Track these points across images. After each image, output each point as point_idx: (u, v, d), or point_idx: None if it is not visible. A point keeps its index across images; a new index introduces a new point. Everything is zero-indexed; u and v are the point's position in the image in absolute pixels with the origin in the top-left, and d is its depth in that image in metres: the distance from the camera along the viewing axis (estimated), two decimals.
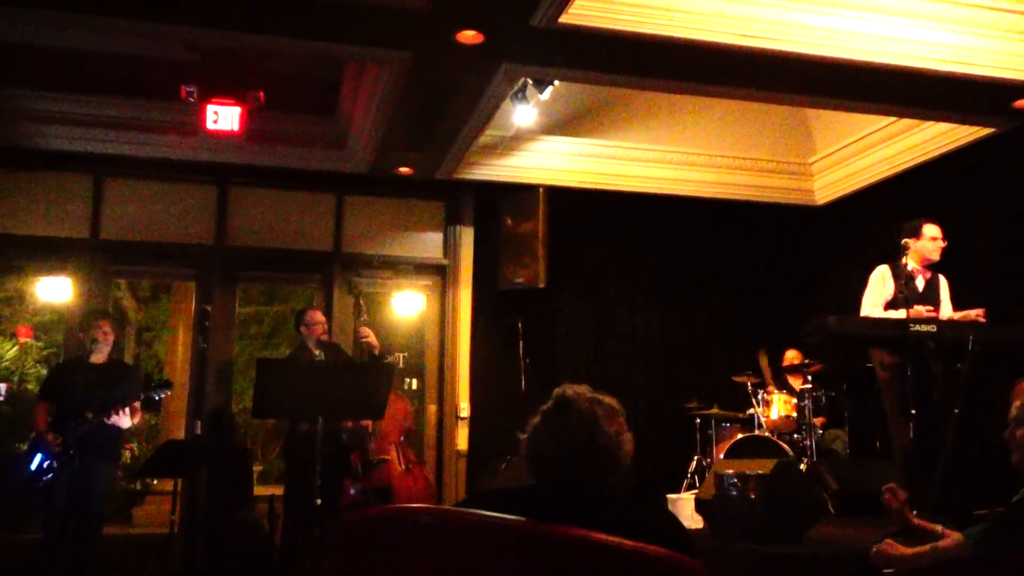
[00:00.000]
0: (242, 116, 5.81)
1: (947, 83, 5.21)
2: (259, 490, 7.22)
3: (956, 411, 4.29)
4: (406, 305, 8.23)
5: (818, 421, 6.60)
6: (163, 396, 5.43)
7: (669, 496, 5.91)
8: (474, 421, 7.15)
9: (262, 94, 5.85)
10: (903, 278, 5.13)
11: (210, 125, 5.75)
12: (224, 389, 7.04)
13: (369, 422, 5.84)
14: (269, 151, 6.83)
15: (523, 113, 6.10)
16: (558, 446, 1.99)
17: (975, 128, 6.16)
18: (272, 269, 7.52)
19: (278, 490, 6.18)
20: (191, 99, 5.73)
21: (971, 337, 4.41)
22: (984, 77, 5.16)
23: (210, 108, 5.75)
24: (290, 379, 4.69)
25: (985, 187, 6.19)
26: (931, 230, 5.29)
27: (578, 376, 2.31)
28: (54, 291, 7.62)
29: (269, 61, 6.24)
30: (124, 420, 5.25)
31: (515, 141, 7.07)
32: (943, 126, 6.40)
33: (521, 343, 6.96)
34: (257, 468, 9.88)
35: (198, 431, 5.88)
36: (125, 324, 12.41)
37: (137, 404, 5.35)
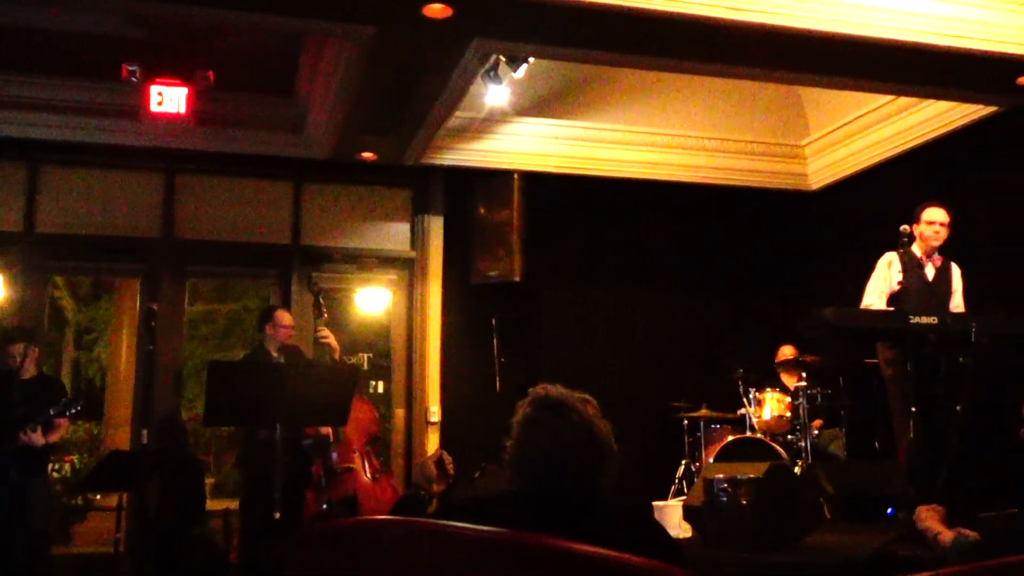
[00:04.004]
0: (189, 97, 5.78)
1: (947, 58, 5.26)
2: (213, 504, 7.18)
3: (959, 408, 4.35)
4: (371, 302, 8.21)
5: (816, 424, 6.66)
6: (74, 411, 5.43)
7: (655, 503, 5.94)
8: (445, 426, 7.13)
9: (211, 73, 5.82)
10: (911, 267, 5.18)
11: (154, 107, 5.70)
12: (173, 395, 6.98)
13: (331, 428, 5.81)
14: (220, 136, 6.76)
15: (495, 93, 6.09)
16: (558, 448, 2.00)
17: (978, 107, 6.24)
18: (224, 264, 7.48)
19: (233, 504, 6.14)
20: (133, 79, 5.68)
21: (974, 329, 4.47)
22: (987, 52, 5.21)
23: (154, 89, 5.71)
24: (245, 383, 4.64)
25: (990, 170, 6.26)
26: (930, 214, 5.33)
27: (558, 376, 2.33)
28: None
29: (219, 37, 6.19)
30: (37, 440, 5.25)
31: (487, 123, 7.05)
32: (943, 105, 6.47)
33: (496, 341, 6.96)
34: (210, 480, 9.82)
35: (145, 441, 5.83)
36: (63, 325, 12.26)
37: (63, 420, 5.41)
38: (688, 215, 7.90)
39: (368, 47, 5.17)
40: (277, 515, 4.43)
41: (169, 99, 5.62)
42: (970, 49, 5.19)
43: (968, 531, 2.87)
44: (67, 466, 9.12)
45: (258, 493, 5.27)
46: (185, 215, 7.03)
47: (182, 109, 5.70)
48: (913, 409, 4.56)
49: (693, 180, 7.71)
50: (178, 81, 5.65)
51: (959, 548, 2.72)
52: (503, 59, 5.70)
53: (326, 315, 6.18)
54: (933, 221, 5.32)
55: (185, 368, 7.95)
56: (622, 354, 7.64)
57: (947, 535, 2.82)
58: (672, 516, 5.36)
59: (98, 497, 7.96)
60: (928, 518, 2.95)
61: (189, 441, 8.39)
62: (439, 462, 2.85)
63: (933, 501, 3.44)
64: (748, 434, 6.53)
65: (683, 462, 6.83)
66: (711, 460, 6.28)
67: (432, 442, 7.12)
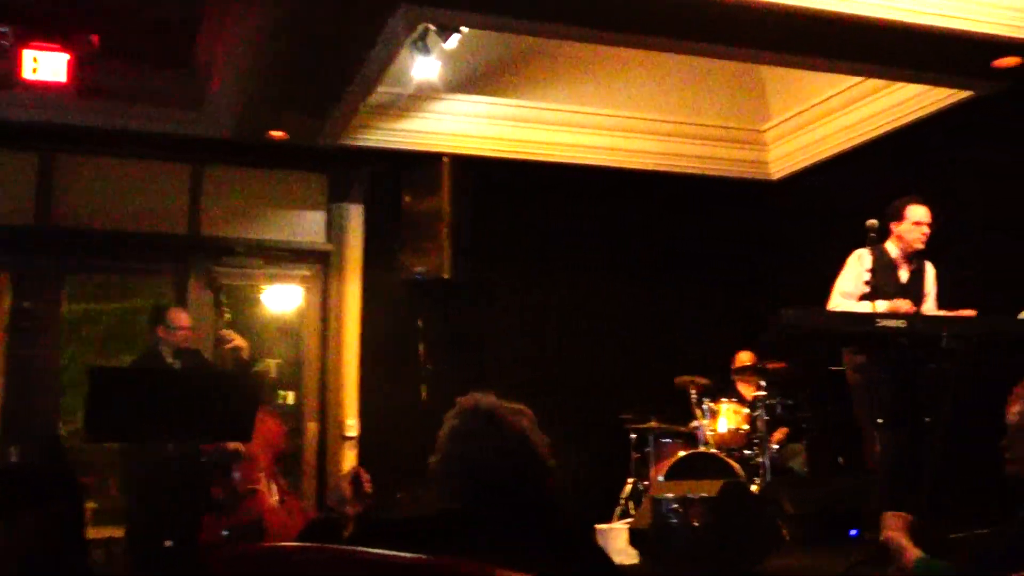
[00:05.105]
0: (71, 65, 5.66)
1: (919, 37, 5.40)
2: (94, 532, 7.03)
3: (928, 419, 4.45)
4: (280, 301, 8.12)
5: (778, 434, 6.75)
6: None
7: (598, 527, 5.99)
8: (365, 441, 7.12)
9: (96, 38, 5.70)
10: (884, 268, 5.26)
11: (28, 75, 5.57)
12: (49, 406, 6.85)
13: (235, 444, 5.75)
14: (107, 110, 6.64)
15: (424, 66, 6.08)
16: (487, 463, 2.01)
17: (951, 91, 6.41)
18: (110, 257, 7.33)
19: (119, 531, 6.04)
20: (4, 42, 5.53)
21: (944, 332, 4.57)
22: (960, 31, 5.36)
23: (28, 54, 5.58)
24: (133, 392, 4.57)
25: (965, 159, 6.43)
26: (915, 212, 5.39)
27: (491, 384, 2.34)
28: None
29: None
30: None
31: (415, 100, 7.04)
32: (914, 88, 6.64)
33: (422, 345, 6.94)
34: (92, 504, 9.61)
35: (14, 459, 5.71)
36: None
37: None
38: (638, 206, 7.98)
39: (277, 11, 5.12)
40: (169, 543, 4.37)
41: (46, 66, 5.49)
42: (943, 27, 5.33)
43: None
44: None
45: (147, 519, 5.21)
46: (64, 201, 6.89)
47: (62, 78, 5.58)
48: (880, 420, 4.67)
49: (644, 167, 7.78)
50: (57, 46, 5.53)
51: (922, 572, 2.78)
52: (433, 28, 5.69)
53: (228, 315, 6.11)
54: (921, 221, 5.36)
55: (63, 375, 7.76)
56: (564, 360, 7.68)
57: (912, 554, 2.88)
58: (617, 540, 5.42)
59: None
60: (894, 527, 2.98)
61: (67, 459, 8.21)
62: (354, 480, 2.83)
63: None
64: (701, 449, 6.60)
65: (629, 480, 6.88)
66: (660, 478, 6.35)
67: (349, 460, 7.08)
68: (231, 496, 5.79)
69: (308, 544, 2.07)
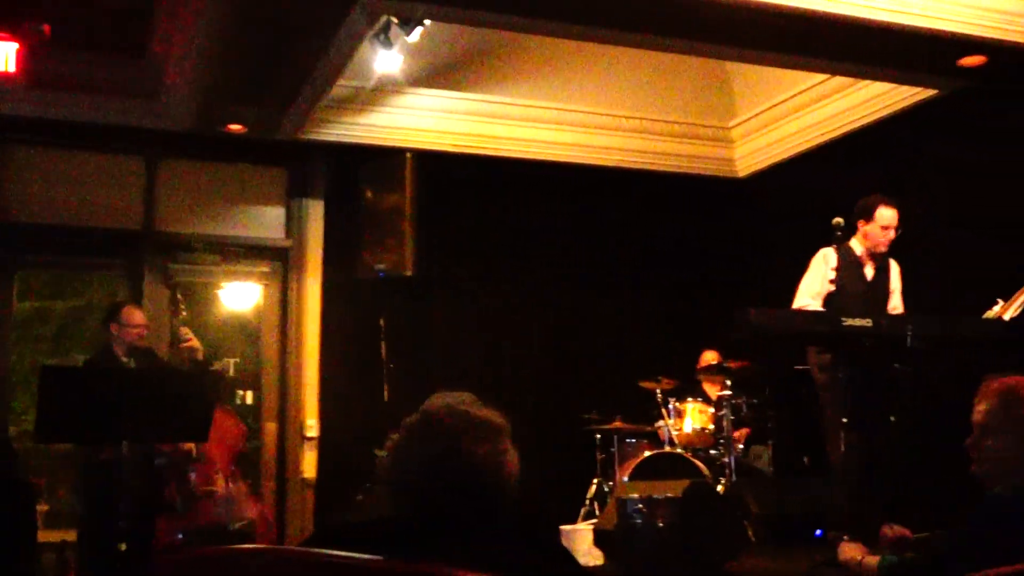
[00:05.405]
0: (20, 54, 5.60)
1: (885, 35, 5.45)
2: (45, 535, 6.97)
3: (893, 418, 4.51)
4: (238, 298, 8.09)
5: (740, 433, 6.81)
6: None
7: (563, 528, 6.01)
8: (325, 442, 7.10)
9: (47, 27, 5.64)
10: (849, 266, 5.31)
11: None
12: None
13: (191, 445, 5.71)
14: (58, 101, 6.59)
15: (386, 59, 6.06)
16: (420, 468, 2.00)
17: (917, 89, 6.49)
18: (61, 252, 7.29)
19: (71, 535, 5.99)
20: None
21: (909, 332, 4.62)
22: (927, 30, 5.42)
23: None
24: (85, 391, 4.53)
25: (931, 157, 6.50)
26: (884, 215, 5.43)
27: (456, 384, 2.33)
28: None
29: None
30: None
31: (377, 94, 7.03)
32: (880, 86, 6.71)
33: (384, 344, 6.92)
34: (43, 507, 9.53)
35: None
36: None
37: None
38: (604, 203, 8.01)
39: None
40: (123, 547, 4.34)
41: None
42: (910, 26, 5.38)
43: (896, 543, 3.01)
44: None
45: (100, 522, 5.17)
46: (13, 194, 6.81)
47: (10, 68, 5.53)
48: (845, 420, 4.71)
49: (609, 163, 7.82)
50: (5, 35, 5.47)
51: (886, 568, 2.84)
52: (395, 20, 5.67)
53: (184, 313, 6.07)
54: (889, 226, 5.40)
55: (12, 375, 7.69)
56: (528, 359, 7.69)
57: (871, 559, 2.96)
58: (582, 541, 5.45)
59: None
60: (848, 550, 3.11)
61: (17, 461, 8.13)
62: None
63: (867, 520, 3.57)
64: (667, 449, 6.65)
65: (594, 481, 6.91)
66: (625, 478, 6.38)
67: (309, 460, 7.06)
68: (187, 498, 5.75)
69: (265, 547, 2.06)
